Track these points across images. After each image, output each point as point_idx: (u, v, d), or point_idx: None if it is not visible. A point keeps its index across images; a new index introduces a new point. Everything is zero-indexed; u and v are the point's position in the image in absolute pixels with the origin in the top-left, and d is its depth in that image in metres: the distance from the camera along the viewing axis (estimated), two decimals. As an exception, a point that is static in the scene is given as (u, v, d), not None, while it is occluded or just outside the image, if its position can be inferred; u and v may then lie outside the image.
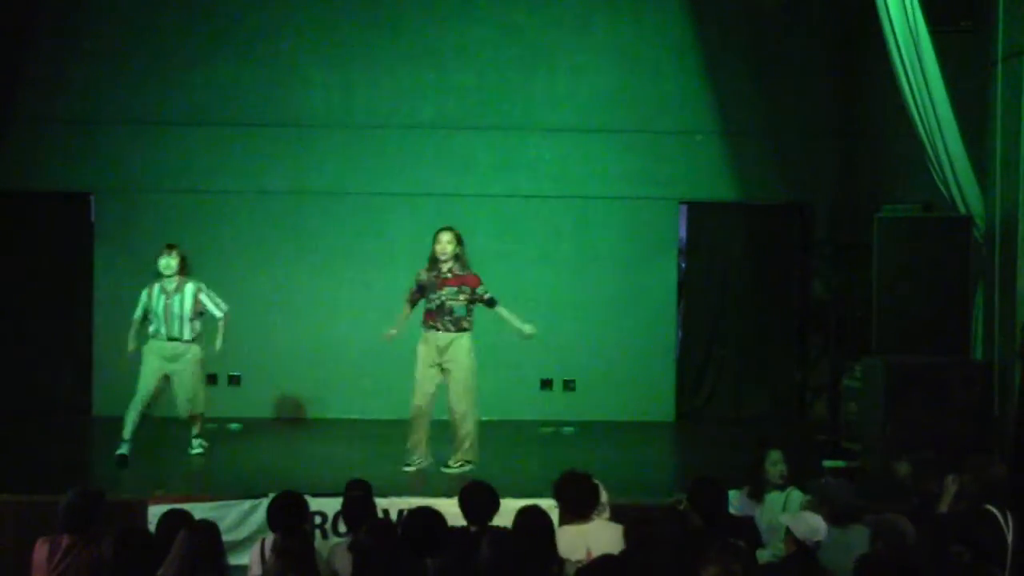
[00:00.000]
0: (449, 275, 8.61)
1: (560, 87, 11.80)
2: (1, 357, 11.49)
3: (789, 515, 5.94)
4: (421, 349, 8.69)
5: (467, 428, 8.69)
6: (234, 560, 6.31)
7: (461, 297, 8.62)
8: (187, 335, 9.12)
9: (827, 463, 9.16)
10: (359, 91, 11.75)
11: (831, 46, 11.82)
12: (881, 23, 8.48)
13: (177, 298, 9.08)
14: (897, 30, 8.38)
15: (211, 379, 11.47)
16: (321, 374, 11.51)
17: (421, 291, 8.70)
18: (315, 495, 6.96)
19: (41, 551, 5.74)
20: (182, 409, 9.26)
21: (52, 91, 11.58)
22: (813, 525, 5.53)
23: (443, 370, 8.65)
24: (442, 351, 8.62)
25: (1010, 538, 5.76)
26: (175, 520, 5.56)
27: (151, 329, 9.15)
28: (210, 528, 5.39)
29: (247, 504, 7.53)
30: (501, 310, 8.75)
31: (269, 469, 8.91)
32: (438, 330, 8.60)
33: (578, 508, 6.00)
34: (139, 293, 9.46)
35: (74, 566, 5.62)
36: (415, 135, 11.71)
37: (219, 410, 11.20)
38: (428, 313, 8.66)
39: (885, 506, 6.35)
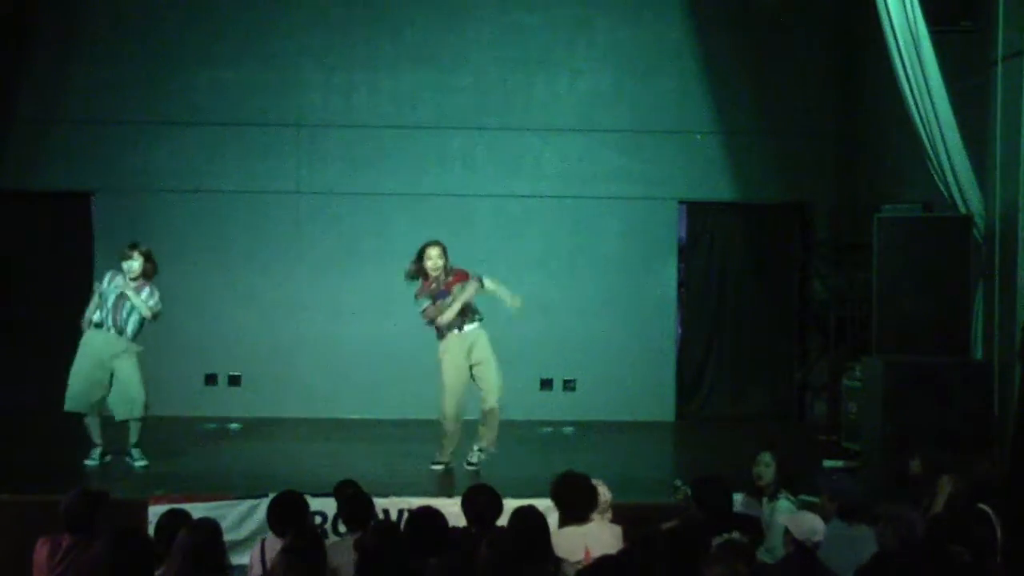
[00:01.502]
0: (450, 278, 8.72)
1: (560, 87, 11.81)
2: (1, 357, 11.49)
3: (787, 515, 5.94)
4: (449, 355, 8.66)
5: (497, 420, 8.73)
6: (234, 560, 6.31)
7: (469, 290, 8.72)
8: (131, 329, 8.74)
9: (827, 463, 9.17)
10: (359, 91, 11.76)
11: (831, 46, 11.82)
12: (881, 23, 8.48)
13: (135, 295, 8.73)
14: (897, 30, 8.37)
15: (211, 379, 11.55)
16: (321, 374, 11.51)
17: (434, 302, 8.68)
18: (315, 495, 6.95)
19: (42, 551, 5.74)
20: (126, 408, 8.72)
21: (52, 91, 11.60)
22: (812, 525, 5.53)
23: (472, 368, 8.69)
24: (470, 350, 8.68)
25: (999, 535, 5.79)
26: (175, 520, 5.55)
27: (95, 318, 8.80)
28: (211, 527, 5.38)
29: (247, 504, 7.52)
30: (488, 283, 8.77)
31: (269, 469, 8.90)
32: (462, 327, 8.64)
33: (576, 510, 5.99)
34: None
35: (75, 566, 5.61)
36: (415, 135, 11.72)
37: (219, 410, 11.26)
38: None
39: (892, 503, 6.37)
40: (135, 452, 8.89)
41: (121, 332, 8.78)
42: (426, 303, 8.68)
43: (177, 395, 11.25)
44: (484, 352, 8.70)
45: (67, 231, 11.75)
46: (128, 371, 8.75)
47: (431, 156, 11.75)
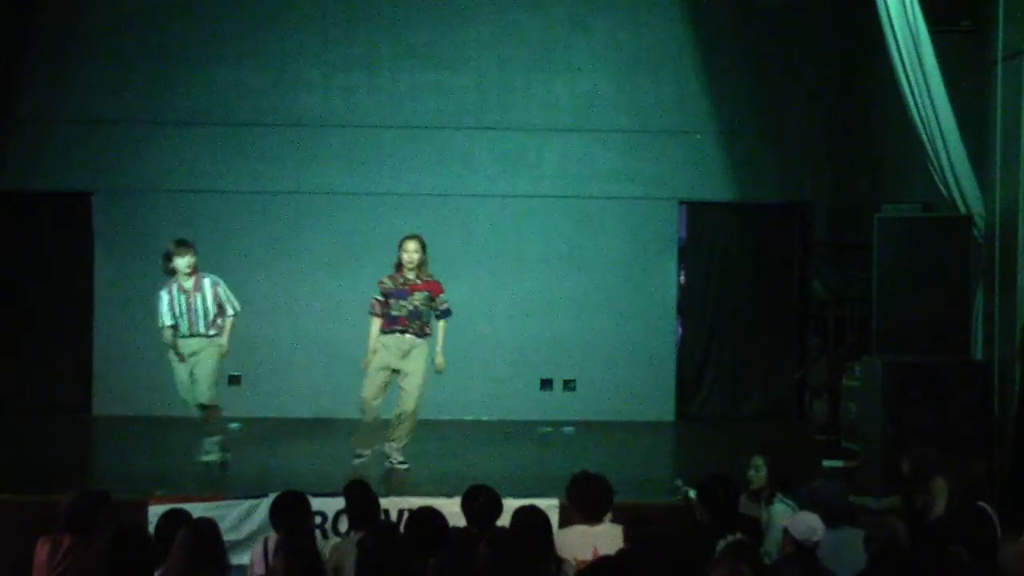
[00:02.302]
0: (419, 281, 8.68)
1: (560, 87, 11.80)
2: (1, 357, 11.50)
3: (786, 516, 5.93)
4: (382, 352, 8.67)
5: (408, 426, 8.73)
6: (234, 560, 6.31)
7: (429, 303, 8.71)
8: (211, 332, 8.91)
9: (827, 463, 9.17)
10: (359, 91, 11.75)
11: (830, 46, 11.81)
12: (881, 23, 8.47)
13: (198, 296, 8.87)
14: (897, 30, 8.37)
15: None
16: (321, 374, 11.50)
17: (386, 300, 8.71)
18: (315, 495, 6.95)
19: (42, 551, 5.74)
20: (200, 396, 8.94)
21: (52, 91, 11.58)
22: (811, 525, 5.53)
23: (396, 372, 8.68)
24: (403, 355, 8.66)
25: (999, 534, 5.80)
26: (175, 520, 5.56)
27: (175, 324, 8.93)
28: (210, 526, 5.39)
29: (247, 504, 7.53)
30: (441, 326, 8.76)
31: (269, 469, 8.90)
32: (405, 333, 8.64)
33: (591, 509, 5.99)
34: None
35: (75, 566, 5.62)
36: (415, 135, 11.71)
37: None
38: (396, 319, 8.66)
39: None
40: (208, 443, 8.98)
41: (196, 335, 8.88)
42: (379, 296, 8.70)
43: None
44: (414, 362, 8.65)
45: (67, 231, 11.75)
46: (205, 363, 8.90)
47: (431, 156, 11.75)
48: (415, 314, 8.65)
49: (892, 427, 8.05)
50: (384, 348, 8.68)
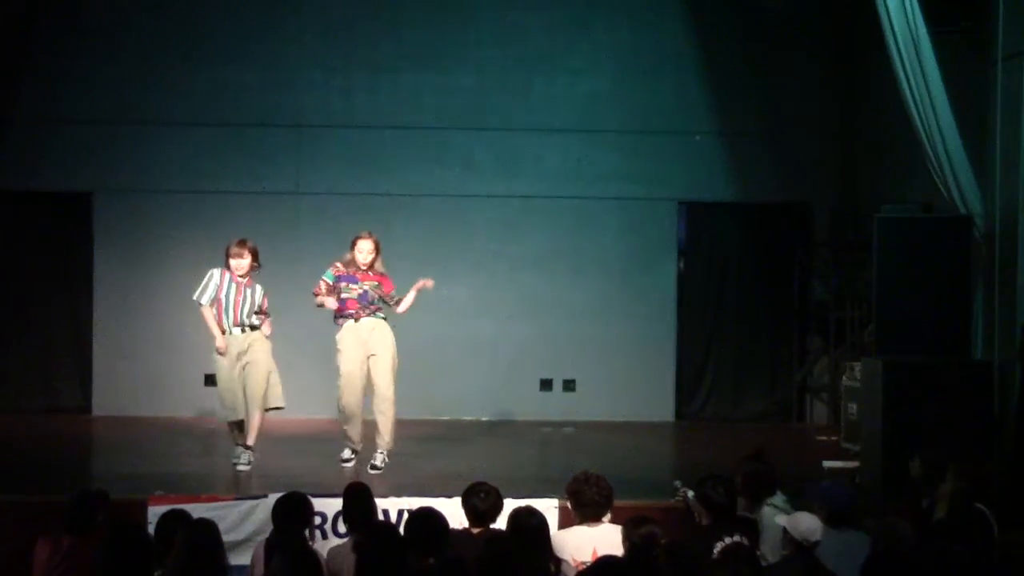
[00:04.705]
0: (369, 273, 8.73)
1: (560, 87, 11.82)
2: (1, 356, 11.50)
3: (785, 516, 5.93)
4: (345, 342, 8.69)
5: (391, 414, 8.70)
6: (233, 560, 6.31)
7: (380, 290, 8.76)
8: (255, 322, 8.81)
9: (827, 463, 9.17)
10: (359, 91, 11.76)
11: (831, 46, 11.82)
12: (881, 24, 8.48)
13: (250, 291, 8.78)
14: (897, 31, 8.37)
15: (211, 379, 11.52)
16: (319, 374, 11.47)
17: (337, 283, 8.73)
18: (315, 495, 6.94)
19: (42, 551, 5.74)
20: (253, 404, 8.76)
21: (53, 91, 11.59)
22: (810, 525, 5.52)
23: (368, 358, 8.69)
24: (366, 339, 8.67)
25: (996, 534, 5.81)
26: (175, 520, 5.56)
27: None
28: (209, 527, 5.38)
29: (247, 504, 7.52)
30: (404, 300, 8.83)
31: (269, 469, 8.90)
32: (359, 317, 8.67)
33: (590, 510, 5.99)
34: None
35: (75, 567, 5.61)
36: (415, 135, 11.72)
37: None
38: (345, 301, 8.70)
39: (890, 506, 6.36)
40: (244, 456, 8.76)
41: (245, 328, 8.77)
42: (329, 278, 8.72)
43: (177, 395, 11.27)
44: (381, 341, 8.67)
45: (67, 231, 11.76)
46: (259, 366, 8.78)
47: (431, 156, 11.75)
48: (364, 297, 8.67)
49: (892, 427, 8.05)
50: (345, 343, 8.69)
